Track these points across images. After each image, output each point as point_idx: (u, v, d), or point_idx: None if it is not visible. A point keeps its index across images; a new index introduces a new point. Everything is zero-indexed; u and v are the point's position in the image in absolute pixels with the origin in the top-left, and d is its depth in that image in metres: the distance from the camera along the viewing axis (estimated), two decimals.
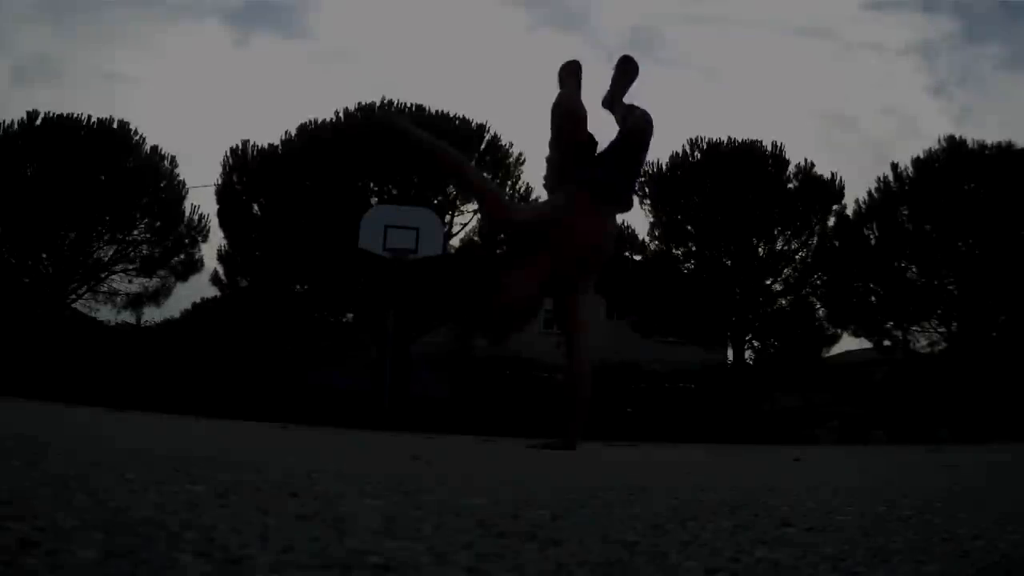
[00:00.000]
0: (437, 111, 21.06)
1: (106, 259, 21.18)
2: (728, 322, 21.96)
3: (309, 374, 19.84)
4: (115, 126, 21.22)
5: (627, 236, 21.56)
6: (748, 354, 22.45)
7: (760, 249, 21.93)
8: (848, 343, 40.25)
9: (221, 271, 21.09)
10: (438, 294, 15.87)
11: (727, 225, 21.24)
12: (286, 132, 21.13)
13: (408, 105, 20.97)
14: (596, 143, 3.43)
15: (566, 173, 3.31)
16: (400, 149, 18.88)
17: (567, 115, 3.43)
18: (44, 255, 20.50)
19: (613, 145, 3.43)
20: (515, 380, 17.19)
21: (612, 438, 10.56)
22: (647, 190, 21.96)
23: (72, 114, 21.00)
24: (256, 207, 20.71)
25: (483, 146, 20.86)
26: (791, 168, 22.49)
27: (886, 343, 21.99)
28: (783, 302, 22.44)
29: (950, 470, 3.72)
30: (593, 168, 3.24)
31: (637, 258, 22.31)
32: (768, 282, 22.31)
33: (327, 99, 75.56)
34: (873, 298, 21.42)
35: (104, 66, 61.80)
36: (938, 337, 21.52)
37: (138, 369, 16.24)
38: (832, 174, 22.25)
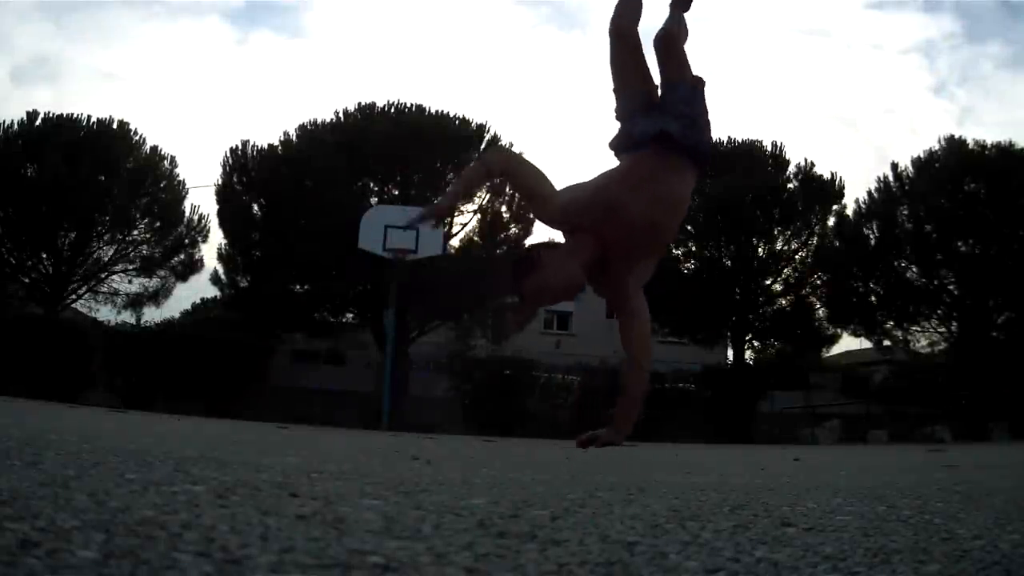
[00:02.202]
0: (437, 111, 21.07)
1: (106, 259, 21.17)
2: (728, 322, 21.95)
3: (309, 375, 19.84)
4: (115, 126, 21.23)
5: None
6: (748, 354, 22.46)
7: (760, 249, 21.92)
8: (848, 343, 40.32)
9: (221, 271, 21.08)
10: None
11: (727, 225, 21.23)
12: (286, 132, 21.16)
13: (408, 105, 20.98)
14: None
15: (629, 129, 2.76)
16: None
17: (616, 32, 2.83)
18: (44, 255, 20.49)
19: (666, 86, 2.80)
20: (514, 380, 17.17)
21: None
22: None
23: (72, 114, 21.05)
24: (256, 207, 20.70)
25: (483, 146, 20.85)
26: (791, 168, 22.52)
27: (886, 343, 21.98)
28: (783, 302, 22.43)
29: (950, 470, 3.72)
30: (655, 118, 2.67)
31: None
32: (768, 282, 22.30)
33: (327, 99, 75.61)
34: (873, 298, 21.40)
35: (104, 66, 61.81)
36: (938, 337, 21.51)
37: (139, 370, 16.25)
38: (832, 174, 22.30)
